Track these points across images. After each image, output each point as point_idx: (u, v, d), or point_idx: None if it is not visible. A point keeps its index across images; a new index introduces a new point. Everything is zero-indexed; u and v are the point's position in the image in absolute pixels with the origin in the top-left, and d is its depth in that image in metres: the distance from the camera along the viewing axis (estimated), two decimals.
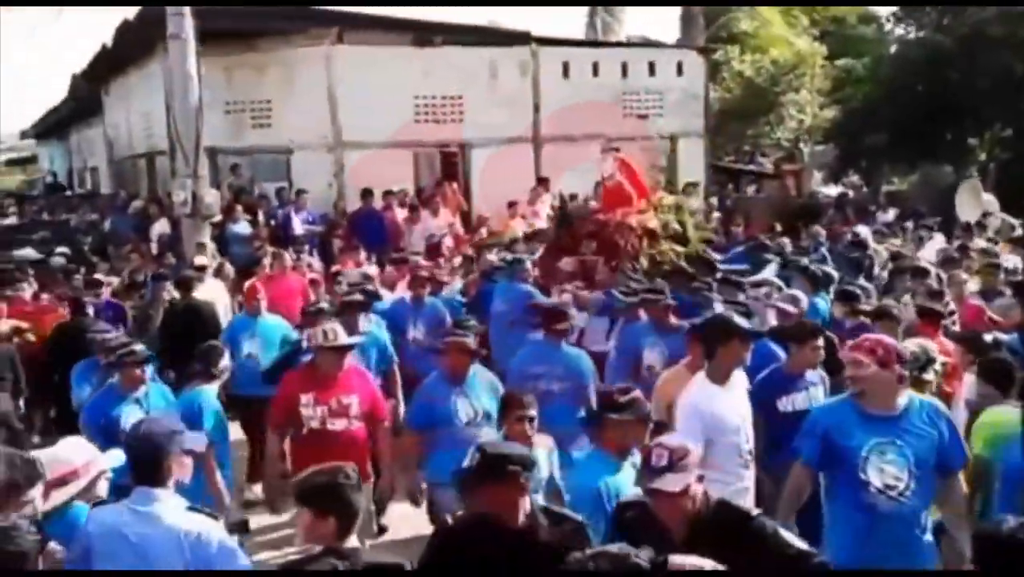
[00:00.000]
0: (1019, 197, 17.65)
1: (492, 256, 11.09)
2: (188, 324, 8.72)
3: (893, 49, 27.05)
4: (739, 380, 5.34)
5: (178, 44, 12.40)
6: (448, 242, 13.02)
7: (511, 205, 14.54)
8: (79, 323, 8.59)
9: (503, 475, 3.62)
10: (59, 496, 4.00)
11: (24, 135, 38.61)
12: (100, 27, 47.56)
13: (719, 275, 8.85)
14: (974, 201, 15.78)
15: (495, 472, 3.62)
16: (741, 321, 5.50)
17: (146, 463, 3.88)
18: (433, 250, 12.37)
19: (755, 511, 3.72)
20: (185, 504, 3.90)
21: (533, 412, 5.07)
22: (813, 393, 5.83)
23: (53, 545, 3.70)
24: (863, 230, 13.61)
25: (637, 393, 4.52)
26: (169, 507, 3.83)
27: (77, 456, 4.16)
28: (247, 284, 9.53)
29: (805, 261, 9.98)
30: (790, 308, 7.25)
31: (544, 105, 16.73)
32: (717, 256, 10.14)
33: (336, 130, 15.37)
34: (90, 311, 8.95)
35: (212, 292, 9.89)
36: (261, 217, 14.09)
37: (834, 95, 24.60)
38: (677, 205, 10.42)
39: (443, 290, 9.76)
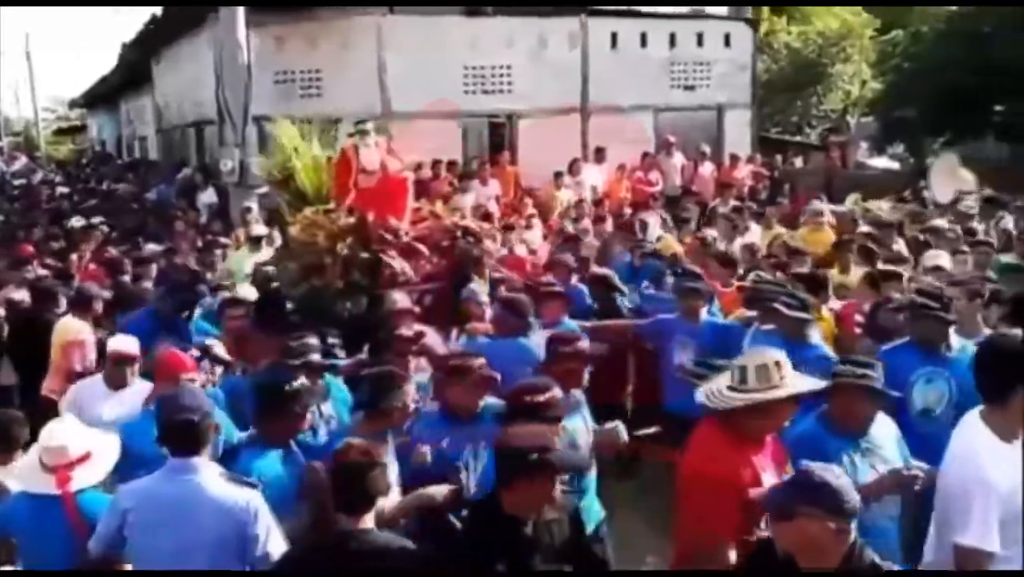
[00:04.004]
0: None
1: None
2: None
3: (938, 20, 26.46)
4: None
5: (228, 12, 12.49)
6: (493, 209, 12.95)
7: (557, 176, 14.53)
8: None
9: None
10: (86, 476, 3.95)
11: (73, 104, 39.03)
12: None
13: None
14: (949, 180, 13.31)
15: None
16: None
17: (184, 432, 3.71)
18: (483, 219, 12.36)
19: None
20: (220, 471, 3.75)
21: None
22: None
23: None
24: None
25: None
26: (209, 475, 3.69)
27: (89, 438, 4.09)
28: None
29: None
30: None
31: (592, 76, 16.65)
32: None
33: (385, 100, 15.36)
34: None
35: None
36: None
37: (881, 67, 24.24)
38: None
39: None
